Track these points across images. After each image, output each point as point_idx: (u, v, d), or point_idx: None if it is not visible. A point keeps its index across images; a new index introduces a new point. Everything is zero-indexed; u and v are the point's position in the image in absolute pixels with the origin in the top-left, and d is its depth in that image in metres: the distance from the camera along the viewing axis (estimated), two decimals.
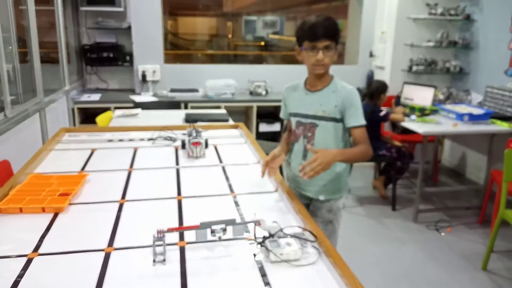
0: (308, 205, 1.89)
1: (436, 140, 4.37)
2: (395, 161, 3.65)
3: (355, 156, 1.73)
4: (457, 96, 4.25)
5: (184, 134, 2.49)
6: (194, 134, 2.17)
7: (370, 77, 4.92)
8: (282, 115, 1.97)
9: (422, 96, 3.88)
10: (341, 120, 1.75)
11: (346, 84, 1.78)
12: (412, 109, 3.76)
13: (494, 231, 2.76)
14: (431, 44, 4.54)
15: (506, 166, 2.64)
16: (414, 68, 4.53)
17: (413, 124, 3.44)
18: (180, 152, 2.21)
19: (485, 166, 3.60)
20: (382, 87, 3.62)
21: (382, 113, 3.54)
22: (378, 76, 4.82)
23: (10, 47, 2.75)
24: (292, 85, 1.91)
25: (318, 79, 1.78)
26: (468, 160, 4.63)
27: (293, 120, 1.86)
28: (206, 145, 2.22)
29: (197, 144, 2.09)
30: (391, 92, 4.31)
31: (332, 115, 1.74)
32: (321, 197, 1.83)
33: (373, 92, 3.60)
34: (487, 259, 2.80)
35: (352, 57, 5.23)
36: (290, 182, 1.94)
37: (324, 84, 1.78)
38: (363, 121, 1.72)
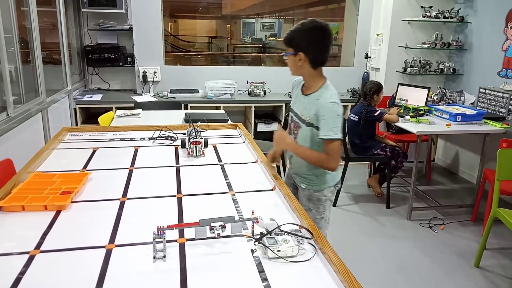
0: (295, 189, 2.08)
1: (430, 139, 4.43)
2: (389, 160, 3.70)
3: (308, 158, 1.85)
4: (451, 97, 4.30)
5: (184, 133, 2.53)
6: (193, 133, 2.21)
7: (365, 78, 4.97)
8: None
9: (416, 97, 3.94)
10: (317, 127, 1.81)
11: (330, 96, 1.78)
12: (407, 109, 3.81)
13: (486, 229, 2.81)
14: (426, 46, 4.60)
15: (498, 165, 2.70)
16: (409, 69, 4.59)
17: (407, 124, 3.50)
18: (180, 151, 2.24)
19: (478, 165, 3.65)
20: (376, 87, 3.67)
21: (376, 113, 3.59)
22: (373, 77, 4.88)
23: (13, 48, 2.78)
24: (298, 81, 2.01)
25: (308, 84, 1.88)
26: (461, 159, 4.69)
27: (290, 114, 2.02)
28: (206, 145, 2.27)
29: (196, 143, 2.14)
30: (386, 93, 4.36)
31: (310, 121, 1.83)
32: (303, 186, 1.99)
33: (367, 92, 3.65)
34: (480, 256, 2.85)
35: (348, 58, 5.27)
36: (288, 168, 2.10)
37: (313, 90, 1.84)
38: (331, 135, 1.74)
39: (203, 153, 2.18)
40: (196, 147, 2.15)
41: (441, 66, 4.69)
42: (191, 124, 2.28)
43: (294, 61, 1.80)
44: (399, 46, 4.64)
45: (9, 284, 1.07)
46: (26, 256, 1.20)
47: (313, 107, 1.80)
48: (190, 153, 2.15)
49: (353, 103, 4.05)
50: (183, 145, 2.27)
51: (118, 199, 1.61)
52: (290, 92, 2.13)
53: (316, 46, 1.78)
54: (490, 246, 3.06)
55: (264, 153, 2.15)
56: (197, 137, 2.18)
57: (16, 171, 2.00)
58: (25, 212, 1.48)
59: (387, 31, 4.63)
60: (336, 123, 1.75)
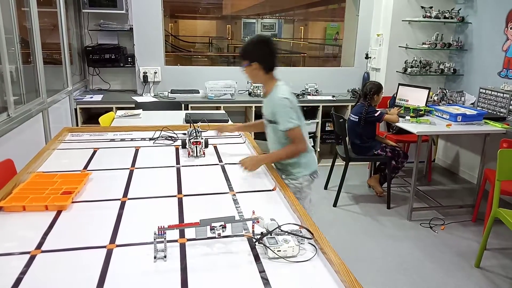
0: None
1: (430, 140, 4.43)
2: (389, 160, 3.70)
3: (280, 157, 2.11)
4: (451, 97, 4.31)
5: (184, 134, 2.54)
6: (194, 134, 2.21)
7: (366, 78, 4.97)
8: None
9: (416, 97, 3.94)
10: (276, 122, 2.06)
11: (280, 93, 2.03)
12: (407, 109, 3.81)
13: (487, 229, 2.81)
14: (426, 46, 4.60)
15: (499, 165, 2.70)
16: (409, 69, 4.59)
17: (407, 124, 3.50)
18: (181, 151, 2.25)
19: (478, 165, 3.65)
20: (375, 88, 3.67)
21: (377, 114, 3.59)
22: (374, 77, 4.88)
23: (13, 48, 2.78)
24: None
25: (266, 87, 2.12)
26: (462, 159, 4.69)
27: None
28: (206, 145, 2.27)
29: (197, 143, 2.15)
30: (386, 93, 4.36)
31: (270, 119, 2.10)
32: (283, 176, 2.15)
33: (367, 93, 3.65)
34: (481, 256, 2.85)
35: (348, 59, 5.27)
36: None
37: (269, 92, 2.10)
38: (288, 125, 2.00)
39: (204, 153, 2.19)
40: (196, 147, 2.16)
41: (441, 67, 4.69)
42: (191, 124, 2.28)
43: (250, 70, 2.06)
44: (399, 46, 4.65)
45: (10, 284, 1.07)
46: (27, 256, 1.20)
47: (270, 107, 2.08)
48: (191, 154, 2.16)
49: (353, 104, 4.05)
50: (183, 146, 2.27)
51: (119, 199, 1.61)
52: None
53: (265, 55, 2.05)
54: (491, 246, 3.06)
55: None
56: (198, 137, 2.18)
57: (17, 171, 2.01)
58: (26, 212, 1.49)
59: (388, 31, 4.64)
60: (289, 114, 2.00)
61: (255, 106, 4.56)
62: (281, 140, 2.10)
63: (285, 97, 2.00)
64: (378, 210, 3.73)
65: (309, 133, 4.70)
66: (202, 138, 2.20)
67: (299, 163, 2.15)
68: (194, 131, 2.21)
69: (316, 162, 2.27)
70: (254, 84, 4.68)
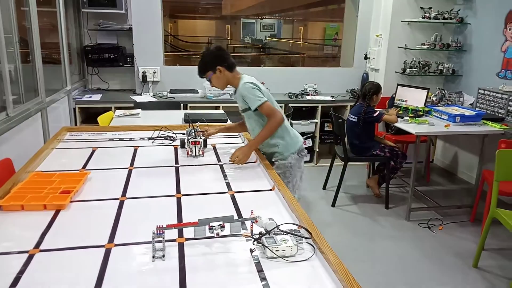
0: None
1: (429, 140, 4.43)
2: (388, 160, 3.71)
3: (264, 136, 2.23)
4: (450, 98, 4.31)
5: (183, 133, 2.54)
6: (193, 134, 2.21)
7: (365, 79, 4.97)
8: None
9: (415, 97, 3.94)
10: (250, 108, 2.23)
11: (243, 81, 2.25)
12: (406, 110, 3.82)
13: (485, 230, 2.82)
14: (425, 47, 4.61)
15: (497, 166, 2.70)
16: (408, 70, 4.60)
17: (406, 124, 3.51)
18: (180, 151, 2.25)
19: (477, 166, 3.66)
20: (374, 88, 3.68)
21: (375, 114, 3.60)
22: (373, 78, 4.88)
23: (12, 48, 2.78)
24: (233, 91, 2.43)
25: (234, 85, 2.30)
26: (460, 160, 4.70)
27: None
28: (205, 145, 2.27)
29: (196, 143, 2.15)
30: (385, 93, 4.36)
31: (244, 107, 2.27)
32: (273, 159, 2.35)
33: (366, 93, 3.66)
34: (478, 256, 2.86)
35: (347, 59, 5.28)
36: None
37: (236, 87, 2.30)
38: (258, 102, 2.18)
39: (203, 153, 2.19)
40: (195, 147, 2.16)
41: (440, 67, 4.70)
42: (190, 124, 2.28)
43: (217, 77, 2.23)
44: (398, 47, 4.65)
45: (8, 283, 1.07)
46: (26, 256, 1.20)
47: (240, 97, 2.27)
48: (190, 153, 2.16)
49: (352, 104, 4.06)
50: (182, 145, 2.28)
51: (118, 199, 1.61)
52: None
53: (221, 57, 2.24)
54: (489, 246, 3.06)
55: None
56: (197, 137, 2.18)
57: (16, 170, 2.01)
58: (24, 211, 1.49)
59: (387, 32, 4.65)
60: (255, 94, 2.19)
61: None
62: (260, 123, 2.27)
63: (247, 81, 2.22)
64: (377, 210, 3.73)
65: (308, 133, 4.71)
66: (201, 138, 2.20)
67: (285, 143, 2.33)
68: (193, 131, 2.21)
69: (302, 140, 2.44)
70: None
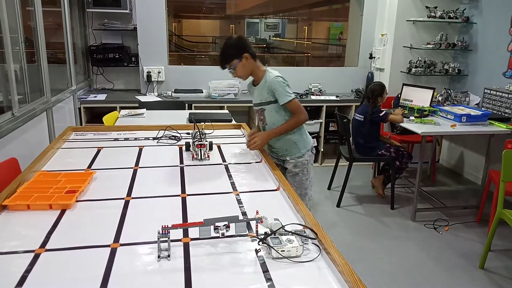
0: (282, 166, 2.43)
1: (434, 140, 4.41)
2: (393, 161, 3.69)
3: (285, 129, 2.29)
4: (456, 98, 4.29)
5: (188, 133, 2.54)
6: (198, 136, 2.15)
7: (370, 78, 4.96)
8: None
9: (421, 97, 3.93)
10: (275, 101, 2.25)
11: (271, 74, 2.26)
12: (411, 110, 3.80)
13: (491, 230, 2.80)
14: (430, 46, 4.59)
15: (504, 166, 2.69)
16: (413, 70, 4.58)
17: (412, 124, 3.49)
18: (184, 154, 2.24)
19: (483, 166, 3.64)
20: (379, 89, 3.66)
21: (381, 114, 3.59)
22: (378, 77, 4.87)
23: (18, 48, 2.79)
24: (249, 84, 2.45)
25: (256, 75, 2.31)
26: (466, 160, 4.67)
27: (254, 109, 2.45)
28: (210, 147, 2.22)
29: (201, 146, 2.10)
30: (390, 93, 4.35)
31: (268, 100, 2.28)
32: (288, 158, 2.39)
33: (369, 95, 3.65)
34: (485, 257, 2.84)
35: (352, 59, 5.27)
36: (270, 154, 2.44)
37: (260, 79, 2.30)
38: (288, 98, 2.20)
39: (208, 157, 2.14)
40: (201, 150, 2.10)
41: (446, 67, 4.67)
42: (195, 126, 2.23)
43: (243, 65, 2.21)
44: (403, 46, 4.64)
45: (15, 282, 1.07)
46: (31, 255, 1.20)
47: (265, 89, 2.26)
48: (195, 156, 2.12)
49: (358, 104, 4.04)
50: (187, 148, 2.23)
51: (123, 199, 1.61)
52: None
53: (246, 45, 2.23)
54: (495, 247, 3.04)
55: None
56: (202, 139, 2.12)
57: (21, 170, 2.01)
58: (30, 211, 1.49)
59: (392, 31, 4.63)
60: (285, 89, 2.21)
61: None
62: (282, 117, 2.29)
63: (278, 75, 2.24)
64: (382, 210, 3.72)
65: (313, 133, 4.70)
66: (206, 141, 2.14)
67: (303, 140, 2.38)
68: (198, 133, 2.15)
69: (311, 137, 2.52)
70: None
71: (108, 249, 1.24)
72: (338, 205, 3.78)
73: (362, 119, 3.65)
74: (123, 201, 1.59)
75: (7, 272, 1.12)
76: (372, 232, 3.34)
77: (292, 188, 2.07)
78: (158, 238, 1.21)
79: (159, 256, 1.20)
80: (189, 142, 2.21)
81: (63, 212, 1.48)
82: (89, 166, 1.97)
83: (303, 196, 2.42)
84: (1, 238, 1.31)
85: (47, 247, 1.25)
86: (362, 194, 4.09)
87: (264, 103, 2.31)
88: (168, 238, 1.21)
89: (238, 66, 2.19)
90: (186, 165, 2.02)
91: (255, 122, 2.52)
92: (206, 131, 2.29)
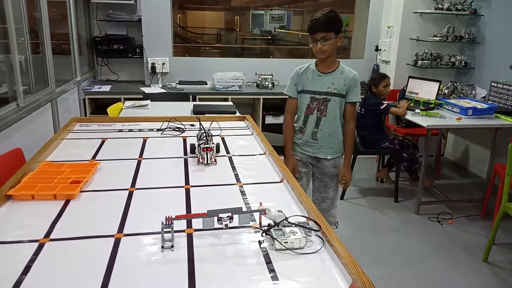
0: (312, 164, 2.38)
1: (440, 133, 4.39)
2: (399, 153, 3.67)
3: (352, 146, 2.34)
4: (462, 91, 4.26)
5: (192, 125, 2.53)
6: (204, 137, 1.92)
7: (375, 71, 4.93)
8: (289, 91, 2.38)
9: (426, 90, 3.90)
10: (344, 96, 2.22)
11: (350, 69, 2.25)
12: (417, 103, 3.77)
13: (496, 224, 2.79)
14: (437, 38, 4.54)
15: (509, 160, 2.67)
16: (420, 62, 4.54)
17: (417, 117, 3.47)
18: (189, 142, 2.23)
19: (488, 160, 3.62)
20: (377, 78, 3.66)
21: (382, 107, 3.56)
22: (384, 70, 4.83)
23: (23, 38, 2.79)
24: (304, 68, 2.31)
25: (328, 64, 2.20)
26: (471, 154, 4.64)
27: (306, 97, 2.29)
28: (218, 150, 2.03)
29: (208, 149, 1.89)
30: (396, 86, 4.32)
31: (341, 92, 2.20)
32: (329, 156, 2.32)
33: (369, 85, 3.67)
34: (489, 251, 2.83)
35: (358, 51, 5.23)
36: (303, 146, 2.37)
37: (334, 68, 2.21)
38: (360, 99, 2.25)
39: (215, 161, 1.92)
40: (207, 153, 1.89)
41: (452, 59, 4.63)
42: (201, 126, 2.03)
43: (334, 43, 2.11)
44: (410, 38, 4.59)
45: (20, 271, 1.08)
46: (36, 244, 1.21)
47: (341, 80, 2.20)
48: (201, 161, 1.90)
49: (362, 97, 4.02)
50: (192, 151, 2.02)
51: (127, 189, 1.61)
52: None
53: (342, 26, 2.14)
54: (499, 241, 3.04)
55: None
56: (209, 142, 1.90)
57: (26, 160, 2.02)
58: (34, 201, 1.49)
59: (398, 23, 4.58)
60: (359, 90, 2.25)
61: (263, 98, 4.54)
62: (341, 114, 2.27)
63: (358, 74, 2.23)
64: (386, 203, 3.71)
65: None
66: (213, 143, 1.93)
67: (342, 141, 2.36)
68: (205, 134, 1.93)
69: None
70: (262, 76, 4.66)
71: (112, 239, 1.24)
72: (342, 198, 3.78)
73: (363, 111, 3.63)
74: (127, 192, 1.59)
75: (12, 261, 1.13)
76: (376, 224, 3.34)
77: (327, 189, 2.33)
78: (162, 229, 1.21)
79: (162, 247, 1.20)
80: (194, 144, 2.01)
81: (67, 202, 1.49)
82: (94, 157, 1.98)
83: (335, 198, 2.42)
84: (6, 227, 1.32)
85: (52, 236, 1.25)
86: (366, 187, 4.09)
87: (334, 93, 2.22)
88: (172, 228, 1.22)
89: (333, 41, 2.09)
90: (189, 157, 2.01)
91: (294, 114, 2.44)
92: (213, 131, 2.12)
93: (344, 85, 2.19)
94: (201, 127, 2.02)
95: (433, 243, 3.06)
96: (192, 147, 2.01)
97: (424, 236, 3.15)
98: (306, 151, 2.35)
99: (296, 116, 2.38)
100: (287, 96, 2.40)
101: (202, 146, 1.89)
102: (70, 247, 1.21)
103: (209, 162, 1.90)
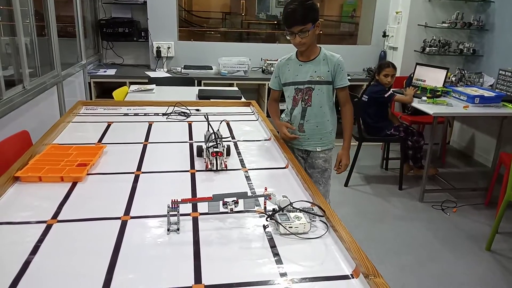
0: (303, 158, 2.26)
1: (446, 121, 4.36)
2: (404, 140, 3.66)
3: (351, 128, 2.23)
4: (469, 79, 4.21)
5: (197, 110, 2.53)
6: (213, 140, 1.69)
7: (382, 57, 4.88)
8: (271, 85, 2.29)
9: (434, 77, 3.86)
10: (331, 82, 2.10)
11: (333, 53, 2.11)
12: (424, 90, 3.74)
13: (500, 213, 2.79)
14: (446, 25, 4.48)
15: None
16: (427, 49, 4.49)
17: (423, 105, 3.44)
18: (194, 127, 2.24)
19: (494, 148, 3.60)
20: (382, 67, 3.62)
21: (386, 95, 3.54)
22: (391, 56, 4.79)
23: (28, 21, 2.78)
24: (285, 59, 2.19)
25: (308, 53, 2.09)
26: (477, 142, 4.62)
27: (290, 89, 2.17)
28: (228, 153, 1.79)
29: (217, 154, 1.66)
30: (403, 72, 4.29)
31: (326, 79, 2.08)
32: (318, 149, 2.20)
33: (374, 73, 3.64)
34: (492, 239, 2.84)
35: (365, 37, 5.17)
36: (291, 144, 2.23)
37: (315, 55, 2.09)
38: (347, 82, 2.11)
39: (226, 166, 1.69)
40: (217, 158, 1.65)
41: (460, 47, 4.57)
42: (209, 126, 1.79)
43: (313, 32, 1.99)
44: (418, 24, 4.53)
45: (28, 251, 1.10)
46: (44, 225, 1.22)
47: (324, 66, 2.08)
48: (209, 166, 1.67)
49: (368, 83, 3.99)
50: (199, 154, 1.79)
51: (133, 173, 1.63)
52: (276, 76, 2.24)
53: (318, 13, 2.00)
54: (503, 230, 3.04)
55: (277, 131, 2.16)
56: (218, 145, 1.67)
57: (33, 142, 2.04)
58: (42, 183, 1.51)
59: (407, 9, 4.52)
60: (346, 73, 2.12)
61: (268, 84, 4.51)
62: (330, 101, 2.15)
63: (340, 57, 2.10)
64: (390, 191, 3.71)
65: None
66: (223, 147, 1.71)
67: (334, 131, 2.24)
68: (214, 135, 1.71)
69: None
70: (268, 62, 4.63)
71: (119, 222, 1.26)
72: (346, 185, 3.79)
73: (367, 99, 3.61)
74: (133, 175, 1.61)
75: (21, 241, 1.15)
76: (380, 211, 3.35)
77: (317, 185, 2.02)
78: (168, 212, 1.22)
79: (168, 230, 1.21)
80: (201, 146, 1.80)
81: (74, 184, 1.51)
82: (100, 140, 1.99)
83: (326, 195, 2.27)
84: (14, 208, 1.34)
85: (59, 218, 1.27)
86: (370, 175, 4.09)
87: (317, 81, 2.08)
88: (178, 212, 1.23)
89: (311, 31, 1.96)
90: (195, 141, 2.02)
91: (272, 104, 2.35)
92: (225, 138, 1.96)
93: (329, 71, 2.07)
94: (210, 127, 1.79)
95: (436, 231, 3.07)
96: (199, 149, 1.79)
97: (427, 224, 3.16)
98: (295, 144, 2.22)
99: (285, 110, 2.27)
100: (272, 76, 2.28)
101: (211, 150, 1.65)
102: (78, 228, 1.23)
103: (219, 168, 1.66)
